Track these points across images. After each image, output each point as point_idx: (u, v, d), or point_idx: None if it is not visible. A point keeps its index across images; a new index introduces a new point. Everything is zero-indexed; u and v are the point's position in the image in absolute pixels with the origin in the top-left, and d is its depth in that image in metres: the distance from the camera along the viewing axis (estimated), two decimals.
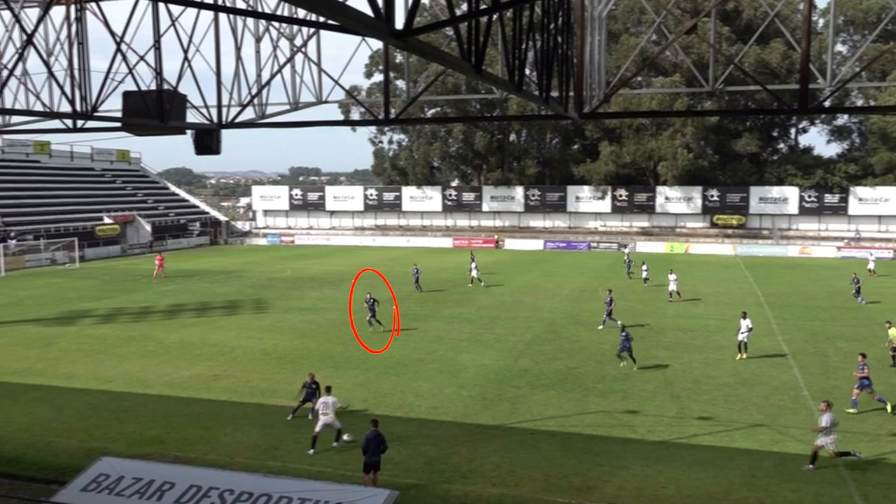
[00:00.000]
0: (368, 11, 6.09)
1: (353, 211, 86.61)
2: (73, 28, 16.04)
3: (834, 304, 38.30)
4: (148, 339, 29.91)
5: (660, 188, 76.37)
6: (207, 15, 18.08)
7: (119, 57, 15.37)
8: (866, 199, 70.59)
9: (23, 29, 15.48)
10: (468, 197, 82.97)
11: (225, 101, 18.04)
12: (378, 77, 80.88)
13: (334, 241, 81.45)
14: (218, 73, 17.97)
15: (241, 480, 12.29)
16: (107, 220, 71.92)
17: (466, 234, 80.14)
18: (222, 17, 18.23)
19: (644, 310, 36.30)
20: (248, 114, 19.42)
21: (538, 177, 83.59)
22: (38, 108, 18.65)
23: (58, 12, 17.11)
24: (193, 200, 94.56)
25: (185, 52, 16.66)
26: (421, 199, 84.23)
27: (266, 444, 18.05)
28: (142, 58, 16.32)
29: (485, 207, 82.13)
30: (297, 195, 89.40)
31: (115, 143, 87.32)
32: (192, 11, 16.59)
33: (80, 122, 17.71)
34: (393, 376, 24.05)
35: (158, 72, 16.19)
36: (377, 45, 22.99)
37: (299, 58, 20.09)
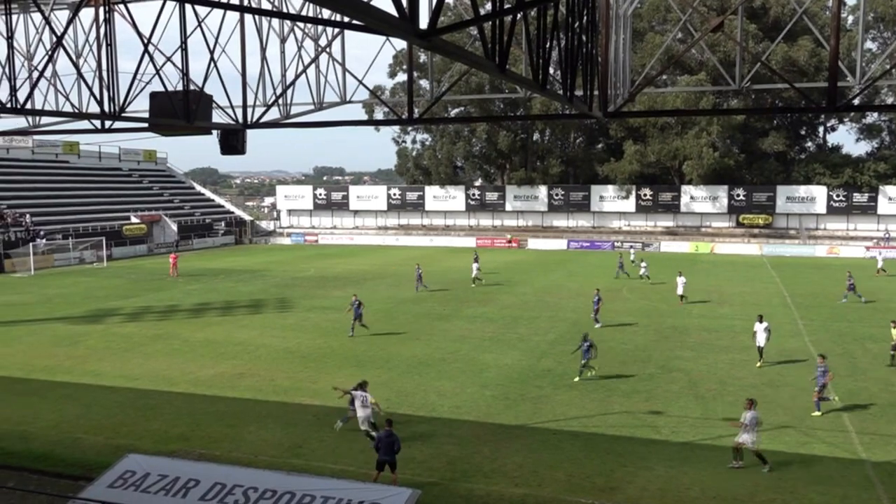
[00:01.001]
0: (393, 11, 6.10)
1: (377, 210, 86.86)
2: (102, 29, 16.24)
3: (863, 304, 37.75)
4: (173, 338, 30.23)
5: (685, 187, 75.75)
6: (233, 16, 18.24)
7: (146, 58, 15.53)
8: None
9: (53, 31, 15.72)
10: (491, 196, 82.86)
11: (250, 102, 18.16)
12: (402, 77, 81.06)
13: (358, 240, 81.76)
14: (243, 74, 18.11)
15: (264, 478, 12.38)
16: (134, 220, 72.82)
17: (489, 233, 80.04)
18: (248, 17, 18.35)
19: (667, 310, 36.03)
20: (273, 114, 19.54)
21: (562, 176, 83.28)
22: (67, 108, 18.90)
23: (86, 14, 17.34)
24: (219, 200, 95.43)
25: (212, 52, 16.81)
26: (444, 199, 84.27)
27: (290, 442, 18.17)
28: (168, 59, 16.47)
29: (508, 207, 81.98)
30: (321, 195, 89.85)
31: (142, 143, 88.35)
32: (218, 12, 16.70)
33: (108, 123, 17.92)
34: (416, 375, 24.09)
35: (185, 72, 16.34)
36: (401, 44, 23.03)
37: (324, 58, 20.19)
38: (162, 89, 16.05)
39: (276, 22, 19.60)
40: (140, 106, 17.38)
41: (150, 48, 15.55)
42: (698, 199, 75.28)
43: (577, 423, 19.23)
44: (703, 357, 26.32)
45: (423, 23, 6.68)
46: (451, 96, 54.03)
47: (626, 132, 77.50)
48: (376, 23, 5.90)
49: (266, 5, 18.85)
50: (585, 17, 13.04)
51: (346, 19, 6.74)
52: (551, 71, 12.21)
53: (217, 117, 18.00)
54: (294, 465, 16.19)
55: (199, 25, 16.18)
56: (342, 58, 20.58)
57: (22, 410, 20.86)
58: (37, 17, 19.50)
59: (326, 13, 16.46)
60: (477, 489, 15.38)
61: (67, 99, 18.92)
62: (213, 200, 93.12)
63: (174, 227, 76.04)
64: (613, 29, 16.71)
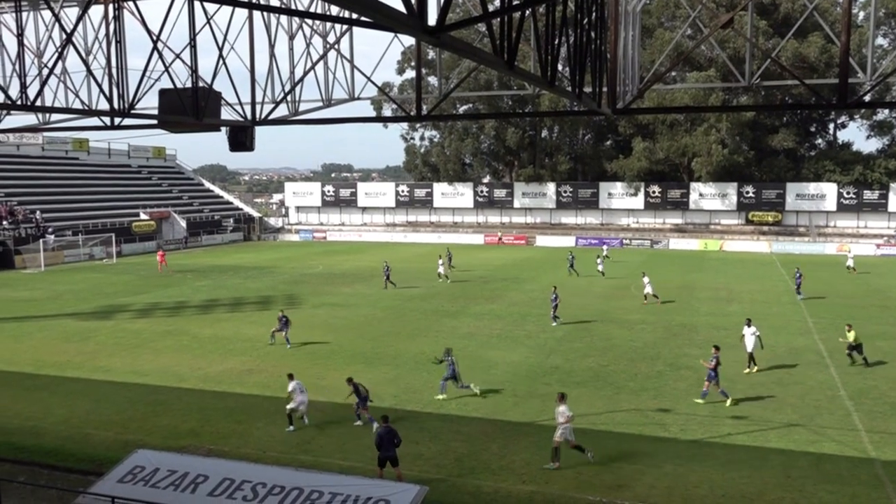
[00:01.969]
0: (401, 8, 6.10)
1: (385, 207, 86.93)
2: (111, 26, 16.29)
3: (872, 302, 37.57)
4: (183, 334, 30.36)
5: (694, 184, 75.48)
6: (242, 13, 18.26)
7: (155, 55, 15.58)
8: None
9: (62, 28, 15.77)
10: (500, 193, 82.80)
11: (259, 99, 18.19)
12: (410, 73, 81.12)
13: (366, 237, 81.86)
14: (252, 71, 18.14)
15: (273, 474, 12.43)
16: (143, 216, 73.09)
17: (497, 230, 79.97)
18: (256, 14, 18.39)
19: (676, 307, 35.93)
20: (282, 111, 19.57)
21: (570, 173, 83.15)
22: (77, 105, 18.98)
23: (95, 11, 17.39)
24: (227, 197, 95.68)
25: (220, 49, 16.84)
26: (452, 196, 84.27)
27: (298, 438, 18.22)
28: (178, 56, 16.52)
29: (516, 204, 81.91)
30: (329, 192, 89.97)
31: (151, 140, 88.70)
32: (226, 9, 16.75)
33: (117, 120, 17.98)
34: (423, 372, 24.11)
35: (194, 69, 16.38)
36: (409, 41, 23.02)
37: (332, 55, 20.19)
38: (171, 86, 16.10)
39: (284, 19, 19.62)
40: (149, 103, 17.47)
41: (160, 45, 15.60)
42: (707, 196, 75.03)
43: (585, 421, 19.20)
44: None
45: (432, 19, 6.68)
46: (459, 93, 53.98)
47: (634, 129, 77.27)
48: (385, 19, 5.89)
49: (275, 2, 18.87)
50: (594, 14, 13.00)
51: (355, 16, 6.74)
52: (560, 67, 12.18)
53: (226, 114, 18.04)
54: (302, 462, 16.24)
55: (208, 22, 16.22)
56: (350, 54, 20.59)
57: (32, 406, 20.98)
58: (46, 14, 19.57)
59: (335, 10, 16.48)
60: (485, 486, 15.39)
61: (77, 96, 18.99)
62: (221, 197, 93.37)
63: (183, 223, 76.30)
64: (622, 25, 16.66)
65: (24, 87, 15.95)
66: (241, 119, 18.14)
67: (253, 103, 17.98)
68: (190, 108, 15.98)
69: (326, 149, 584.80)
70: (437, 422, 19.32)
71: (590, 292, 41.14)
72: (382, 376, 23.63)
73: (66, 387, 22.93)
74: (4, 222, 59.61)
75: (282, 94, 18.66)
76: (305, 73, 18.51)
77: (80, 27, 16.25)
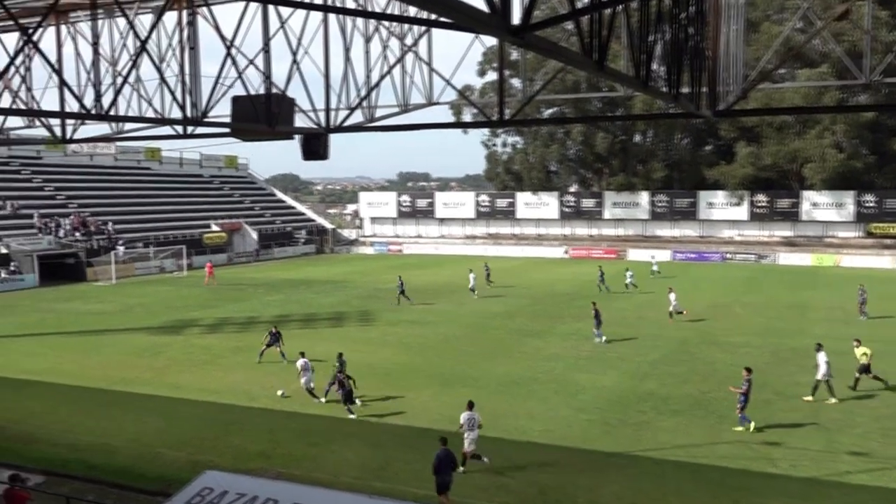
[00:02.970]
0: (483, 7, 6.13)
1: (464, 218, 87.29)
2: (185, 33, 16.98)
3: None
4: (253, 350, 31.10)
5: (805, 193, 72.97)
6: (317, 16, 18.75)
7: (229, 61, 16.14)
8: None
9: (136, 35, 16.53)
10: (588, 203, 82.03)
11: (333, 105, 18.60)
12: (492, 76, 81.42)
13: (443, 250, 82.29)
14: (326, 76, 18.56)
15: (345, 500, 12.56)
16: (214, 228, 75.57)
17: (585, 243, 79.17)
18: (331, 17, 18.82)
19: (786, 328, 34.70)
20: (357, 117, 19.94)
21: (666, 181, 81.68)
22: (150, 114, 19.83)
23: (169, 18, 18.17)
24: (300, 208, 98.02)
25: (294, 54, 17.32)
26: (536, 206, 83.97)
27: (373, 463, 18.41)
28: (251, 62, 17.07)
29: (606, 215, 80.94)
30: (405, 202, 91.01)
31: (223, 149, 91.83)
32: (301, 13, 17.21)
33: (189, 129, 18.69)
34: (505, 396, 24.01)
35: (267, 75, 16.90)
36: (491, 41, 23.15)
37: (409, 57, 20.47)
38: (244, 93, 16.64)
39: (360, 21, 20.02)
40: (222, 111, 18.06)
41: (233, 51, 16.16)
42: (821, 205, 72.35)
43: (682, 453, 18.73)
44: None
45: (516, 18, 6.69)
46: (544, 96, 53.79)
47: (738, 132, 75.37)
48: (466, 20, 5.94)
49: (350, 4, 19.28)
50: (692, 7, 12.78)
51: (434, 17, 6.81)
52: (654, 67, 12.01)
53: (299, 121, 18.51)
54: (376, 489, 16.39)
55: (282, 26, 16.70)
56: (428, 57, 20.82)
57: (104, 422, 21.91)
58: (120, 22, 20.54)
59: (413, 11, 16.70)
60: None
61: (150, 104, 19.85)
62: (293, 208, 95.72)
63: (254, 235, 78.50)
64: (724, 19, 16.29)
65: (98, 96, 16.77)
66: (314, 126, 18.58)
67: (327, 109, 18.39)
68: (263, 115, 16.48)
69: (403, 157, 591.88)
70: (519, 450, 19.19)
71: (689, 310, 40.16)
72: (462, 399, 23.50)
73: (137, 403, 23.85)
74: (77, 233, 62.67)
75: (357, 100, 19.03)
76: (381, 78, 18.83)
77: (153, 34, 16.98)
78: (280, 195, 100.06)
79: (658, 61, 16.41)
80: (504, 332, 34.60)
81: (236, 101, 16.98)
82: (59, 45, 19.72)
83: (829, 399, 23.09)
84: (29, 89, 21.34)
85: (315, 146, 18.89)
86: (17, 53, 15.99)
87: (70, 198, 69.86)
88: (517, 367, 27.76)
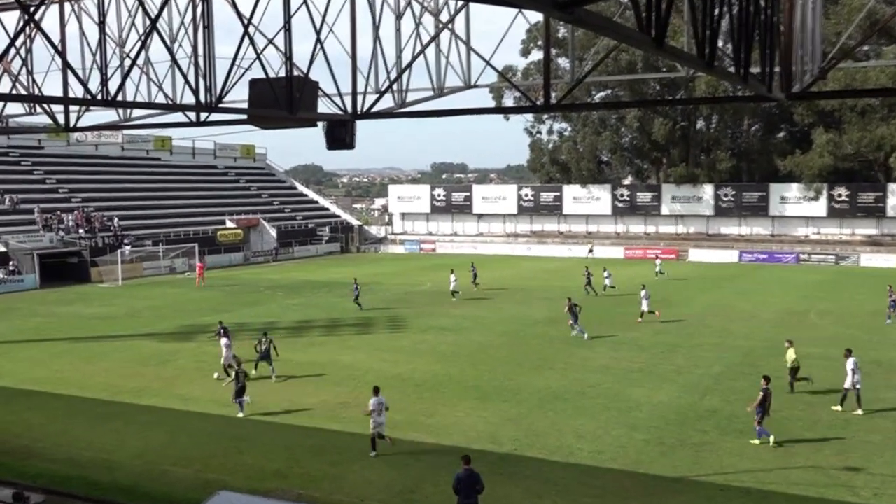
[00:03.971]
0: None
1: (505, 214, 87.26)
2: (199, 10, 17.19)
3: None
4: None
5: (892, 186, 71.98)
6: None
7: (246, 41, 16.29)
8: None
9: (146, 13, 16.79)
10: (644, 197, 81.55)
11: (360, 88, 18.67)
12: (536, 55, 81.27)
13: (482, 249, 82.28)
14: (353, 57, 18.65)
15: None
16: (229, 224, 76.42)
17: (641, 241, 78.70)
18: None
19: (868, 340, 34.13)
20: (387, 102, 20.00)
21: (732, 172, 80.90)
22: (160, 99, 20.11)
23: None
24: (323, 202, 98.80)
25: (318, 33, 17.43)
26: (586, 201, 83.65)
27: (401, 485, 18.48)
28: (270, 41, 17.24)
29: (664, 210, 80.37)
30: (439, 195, 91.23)
31: (239, 137, 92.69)
32: None
33: (203, 115, 18.93)
34: (549, 412, 23.96)
35: (288, 56, 17.03)
36: (536, 17, 23.09)
37: (445, 35, 20.50)
38: (262, 76, 16.78)
39: None
40: (238, 96, 18.22)
41: (251, 30, 16.31)
42: None
43: (749, 478, 18.53)
44: None
45: None
46: (595, 77, 53.53)
47: (815, 117, 74.45)
48: None
49: None
50: None
51: None
52: (720, 44, 11.90)
53: (323, 107, 18.64)
54: None
55: (305, 3, 16.82)
56: (466, 35, 20.82)
57: (106, 436, 22.28)
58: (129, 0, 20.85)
59: None
60: None
61: (160, 89, 20.12)
62: (316, 202, 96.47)
63: (273, 232, 79.22)
64: None
65: (104, 79, 17.06)
66: (339, 112, 18.69)
67: (354, 94, 18.46)
68: (283, 99, 16.62)
69: (437, 145, 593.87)
70: (565, 472, 19.14)
71: (757, 317, 39.78)
72: (500, 415, 23.65)
73: (142, 416, 24.21)
74: (81, 230, 63.79)
75: (387, 83, 19.09)
76: (414, 58, 18.88)
77: (164, 12, 17.22)
78: (301, 188, 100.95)
79: (724, 37, 16.27)
80: (545, 341, 34.52)
81: (254, 84, 17.14)
82: (63, 25, 20.11)
83: (856, 410, 23.31)
84: (30, 73, 21.77)
85: (340, 134, 19.00)
86: (17, 34, 16.34)
87: (73, 191, 71.20)
88: (561, 380, 27.68)
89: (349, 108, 18.63)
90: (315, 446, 21.25)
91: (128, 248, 63.38)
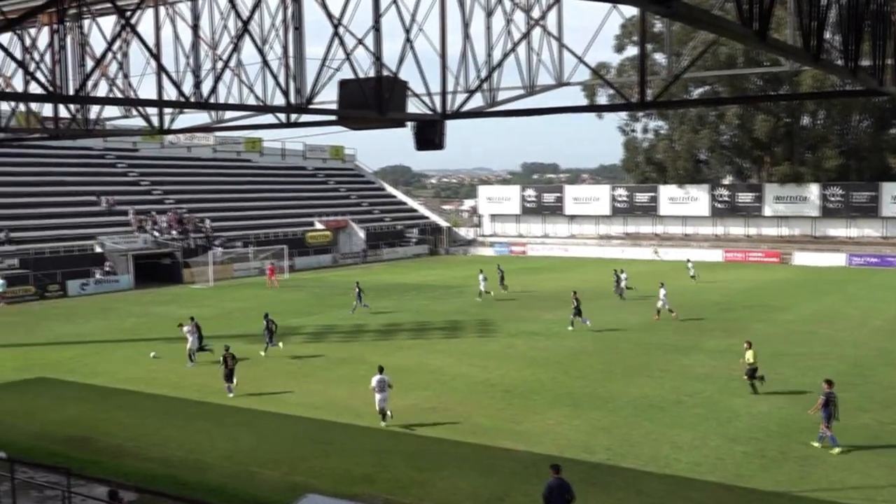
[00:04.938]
0: None
1: (598, 216, 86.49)
2: (289, 11, 17.55)
3: None
4: (359, 363, 31.82)
5: None
6: None
7: (336, 41, 16.55)
8: None
9: (238, 15, 17.22)
10: (744, 198, 79.74)
11: (450, 88, 18.74)
12: (631, 51, 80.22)
13: (573, 251, 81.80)
14: (443, 56, 18.74)
15: None
16: (318, 226, 77.80)
17: (742, 244, 76.92)
18: None
19: None
20: (477, 101, 20.04)
21: (840, 171, 78.46)
22: (251, 101, 20.60)
23: None
24: (412, 203, 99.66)
25: (407, 32, 17.60)
26: (683, 201, 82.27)
27: (489, 493, 18.49)
28: (360, 41, 17.45)
29: (767, 211, 78.41)
30: (530, 196, 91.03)
31: (328, 138, 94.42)
32: None
33: (293, 116, 19.30)
34: (644, 421, 23.64)
35: (377, 56, 17.23)
36: (631, 12, 22.81)
37: (536, 32, 20.43)
38: (352, 76, 17.02)
39: None
40: (328, 97, 18.52)
41: (340, 30, 16.57)
42: None
43: (859, 495, 17.91)
44: None
45: None
46: (693, 73, 52.57)
47: None
48: None
49: None
50: None
51: None
52: (827, 36, 11.55)
53: (412, 107, 18.78)
54: None
55: (395, 2, 17.00)
56: (558, 31, 20.74)
57: (196, 437, 22.95)
58: (222, 1, 21.42)
59: None
60: None
61: (251, 91, 20.60)
62: (405, 204, 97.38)
63: (362, 234, 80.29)
64: None
65: (197, 82, 17.57)
66: (429, 112, 18.81)
67: (444, 93, 18.56)
68: (372, 100, 16.82)
69: (528, 145, 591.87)
70: (660, 484, 18.85)
71: (867, 325, 38.46)
72: (593, 423, 23.43)
73: (230, 417, 24.85)
74: (173, 231, 65.89)
75: (477, 82, 19.15)
76: (505, 56, 18.88)
77: (255, 14, 17.63)
78: (390, 189, 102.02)
79: (832, 29, 15.74)
80: (641, 348, 34.06)
81: (343, 85, 17.39)
82: (158, 28, 20.78)
83: None
84: (126, 76, 22.56)
85: (429, 134, 19.11)
86: (114, 39, 16.95)
87: (166, 193, 73.57)
88: (658, 388, 27.28)
89: (438, 108, 18.73)
90: (404, 451, 21.44)
91: (219, 249, 65.18)
